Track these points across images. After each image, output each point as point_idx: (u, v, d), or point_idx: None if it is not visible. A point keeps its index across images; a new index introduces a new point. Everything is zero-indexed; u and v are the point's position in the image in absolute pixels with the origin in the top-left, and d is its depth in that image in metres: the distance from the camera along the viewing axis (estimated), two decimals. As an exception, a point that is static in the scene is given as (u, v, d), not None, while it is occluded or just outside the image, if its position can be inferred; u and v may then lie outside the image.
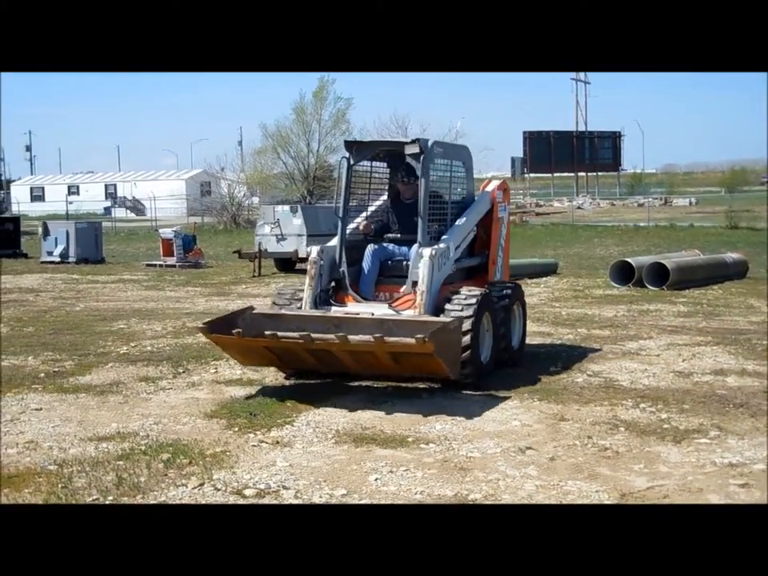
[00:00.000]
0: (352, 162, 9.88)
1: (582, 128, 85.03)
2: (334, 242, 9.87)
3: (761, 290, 18.39)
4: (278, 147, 52.25)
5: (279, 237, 24.18)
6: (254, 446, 7.27)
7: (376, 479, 6.42)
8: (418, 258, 9.37)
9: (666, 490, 6.14)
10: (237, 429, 7.76)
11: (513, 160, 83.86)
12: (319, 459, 6.93)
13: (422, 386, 9.38)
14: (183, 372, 10.19)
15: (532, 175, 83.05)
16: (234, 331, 8.69)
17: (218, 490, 6.19)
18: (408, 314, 9.12)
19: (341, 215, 9.87)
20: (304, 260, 24.31)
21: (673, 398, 8.76)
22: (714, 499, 5.94)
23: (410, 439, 7.45)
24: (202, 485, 6.28)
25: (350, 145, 9.90)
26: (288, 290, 9.95)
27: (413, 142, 9.56)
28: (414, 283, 9.31)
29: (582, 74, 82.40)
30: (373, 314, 9.14)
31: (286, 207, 25.36)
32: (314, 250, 9.72)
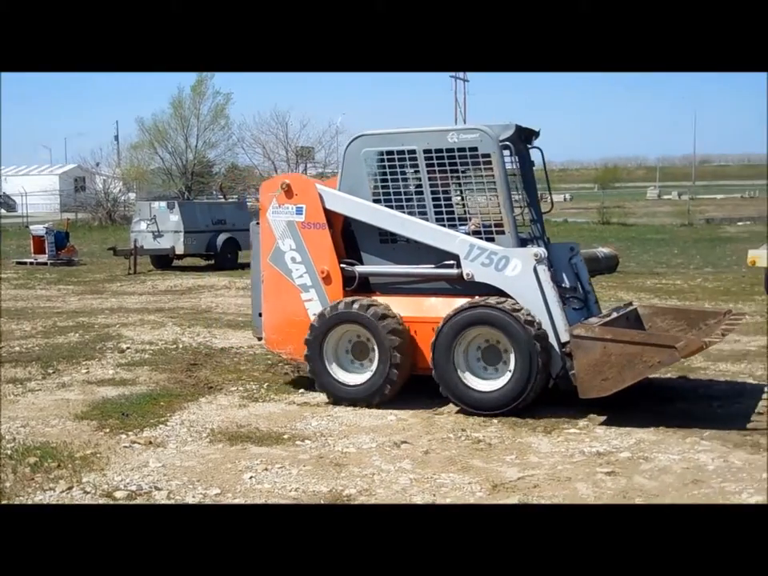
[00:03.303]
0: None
1: (461, 125, 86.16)
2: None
3: (630, 283, 18.97)
4: (155, 142, 51.29)
5: (156, 233, 23.77)
6: (126, 447, 7.13)
7: (251, 477, 6.38)
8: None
9: (537, 480, 6.27)
10: (108, 430, 7.60)
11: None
12: (193, 459, 6.84)
13: (298, 382, 9.36)
14: (53, 373, 9.92)
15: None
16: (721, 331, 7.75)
17: (87, 493, 6.04)
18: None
19: (513, 214, 8.28)
20: (181, 257, 24.09)
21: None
22: (582, 488, 6.10)
23: (285, 436, 7.43)
24: (70, 488, 6.12)
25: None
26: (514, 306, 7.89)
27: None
28: None
29: (461, 72, 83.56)
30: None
31: (163, 203, 24.93)
32: (540, 253, 7.99)
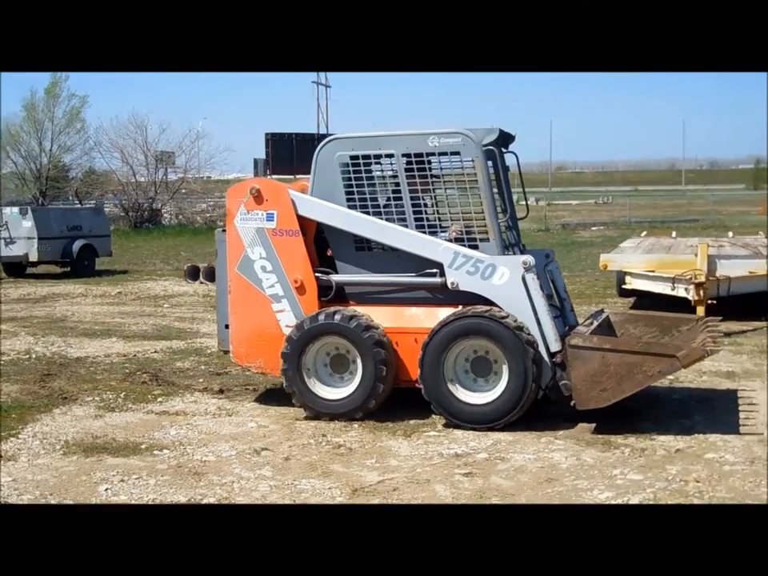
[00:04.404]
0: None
1: (323, 130, 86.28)
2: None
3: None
4: (6, 146, 49.53)
5: (8, 240, 22.94)
6: (-26, 461, 6.87)
7: (106, 489, 6.24)
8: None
9: (396, 483, 6.34)
10: (-45, 445, 7.30)
11: (255, 161, 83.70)
12: (46, 472, 6.64)
13: (157, 390, 9.21)
14: None
15: (274, 177, 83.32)
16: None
17: (-68, 511, 5.79)
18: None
19: (498, 220, 8.04)
20: (35, 264, 23.33)
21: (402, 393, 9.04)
22: (440, 489, 6.19)
23: (143, 446, 7.29)
24: None
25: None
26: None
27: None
28: None
29: (323, 78, 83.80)
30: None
31: (15, 209, 24.07)
32: (529, 260, 7.81)
